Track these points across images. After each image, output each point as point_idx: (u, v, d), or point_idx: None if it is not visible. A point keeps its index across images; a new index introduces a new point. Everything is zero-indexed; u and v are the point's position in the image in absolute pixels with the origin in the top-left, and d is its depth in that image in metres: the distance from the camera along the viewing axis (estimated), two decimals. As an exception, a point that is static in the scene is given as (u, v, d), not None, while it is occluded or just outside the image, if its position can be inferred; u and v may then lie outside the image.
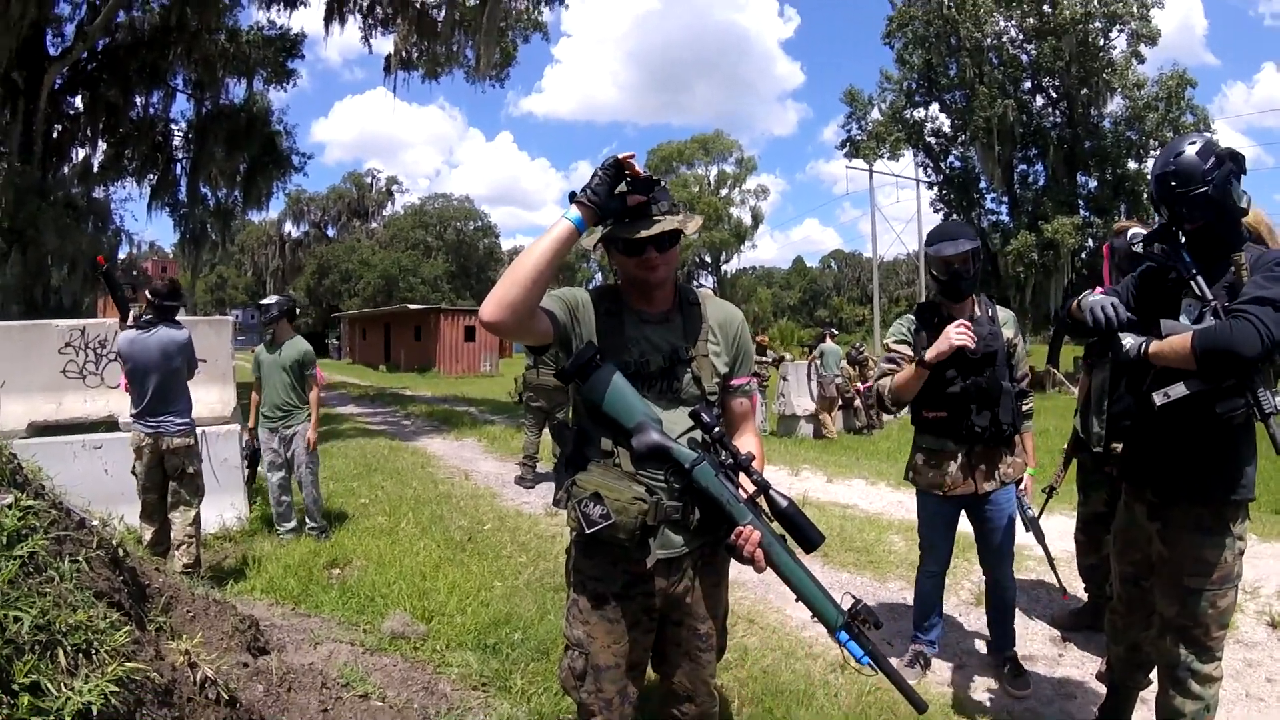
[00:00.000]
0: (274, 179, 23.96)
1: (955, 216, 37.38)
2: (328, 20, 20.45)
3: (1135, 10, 32.24)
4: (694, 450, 2.07)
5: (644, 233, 2.05)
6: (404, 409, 18.34)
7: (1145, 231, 2.93)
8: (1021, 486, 3.85)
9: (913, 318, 3.87)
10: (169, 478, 5.14)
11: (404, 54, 21.11)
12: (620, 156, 2.01)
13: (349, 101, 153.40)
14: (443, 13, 20.13)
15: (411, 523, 6.80)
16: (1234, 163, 2.56)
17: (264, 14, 21.35)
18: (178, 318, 5.32)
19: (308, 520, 6.46)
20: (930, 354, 3.54)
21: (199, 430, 5.50)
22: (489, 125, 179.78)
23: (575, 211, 2.00)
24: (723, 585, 2.38)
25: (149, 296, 5.15)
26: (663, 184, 2.12)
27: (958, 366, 3.62)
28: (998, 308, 3.82)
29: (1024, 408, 3.80)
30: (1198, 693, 2.69)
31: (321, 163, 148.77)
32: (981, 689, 3.93)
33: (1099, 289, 3.36)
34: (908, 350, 3.80)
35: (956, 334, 3.46)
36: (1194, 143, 2.60)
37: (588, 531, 2.02)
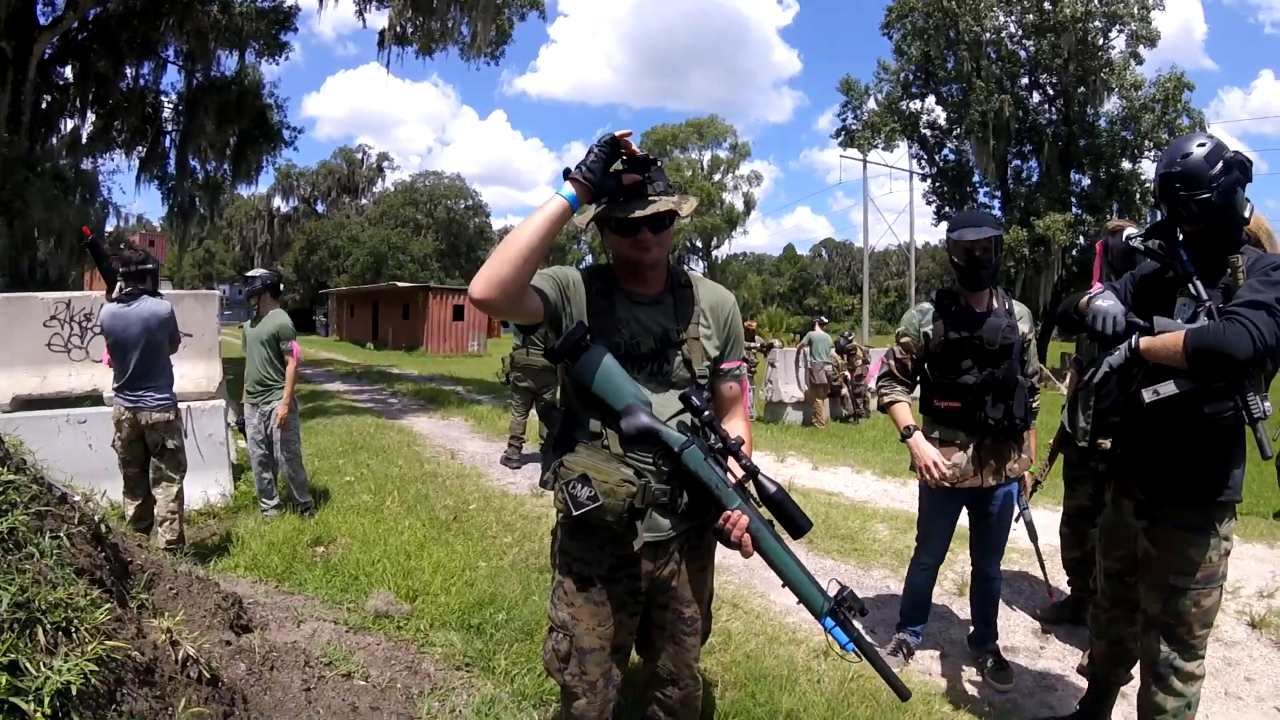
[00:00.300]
0: (264, 153, 23.79)
1: (948, 209, 37.55)
2: (322, -8, 20.24)
3: (1136, 11, 32.34)
4: (683, 434, 2.06)
5: (639, 213, 2.03)
6: (391, 387, 18.26)
7: (1139, 232, 2.92)
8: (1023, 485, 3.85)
9: (930, 306, 3.82)
10: (150, 453, 5.10)
11: (398, 29, 20.93)
12: (617, 134, 1.98)
13: (341, 76, 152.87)
14: (439, -14, 19.96)
15: (397, 501, 6.78)
16: (1241, 170, 2.54)
17: (258, -15, 21.17)
18: (161, 291, 5.27)
19: (294, 497, 6.41)
20: (911, 446, 3.70)
21: (183, 405, 5.46)
22: (482, 104, 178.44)
23: (569, 188, 1.97)
24: (708, 569, 2.38)
25: (121, 269, 5.08)
26: (659, 164, 2.10)
27: (974, 358, 3.62)
28: (1014, 302, 3.78)
29: (1032, 404, 3.76)
30: (1180, 690, 2.71)
31: (312, 138, 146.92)
32: (963, 679, 3.95)
33: (1099, 285, 3.37)
34: (910, 344, 3.80)
35: (928, 467, 3.62)
36: (1203, 144, 2.58)
37: (575, 514, 2.00)
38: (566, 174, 2.00)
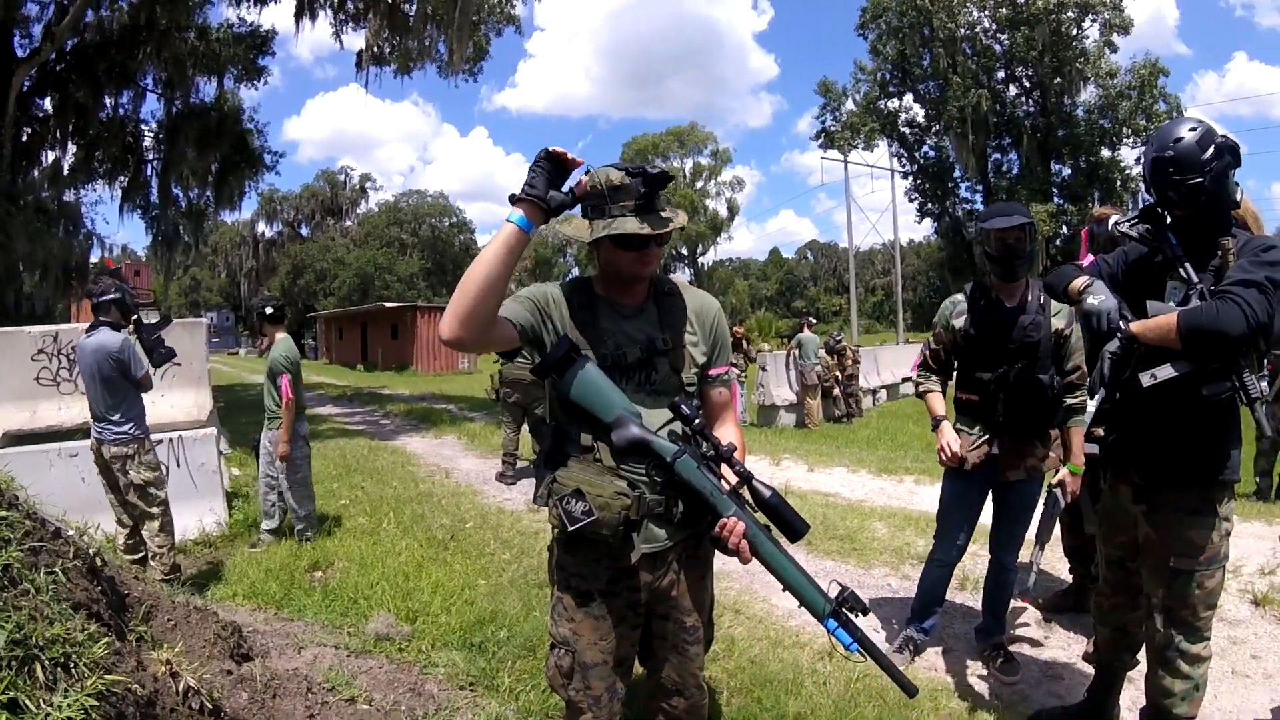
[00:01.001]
0: (246, 178, 23.69)
1: (930, 206, 37.77)
2: (298, 16, 20.20)
3: (1107, 0, 32.58)
4: (675, 443, 2.05)
5: (659, 230, 2.03)
6: (382, 408, 18.23)
7: (1125, 218, 2.93)
8: (1055, 481, 3.72)
9: (961, 298, 3.84)
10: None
11: (375, 49, 20.94)
12: (551, 149, 1.95)
13: (321, 99, 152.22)
14: (414, 7, 19.96)
15: (393, 522, 6.75)
16: (1232, 155, 2.57)
17: (234, 11, 21.05)
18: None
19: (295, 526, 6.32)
20: (937, 434, 3.80)
21: (174, 435, 5.41)
22: (463, 121, 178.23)
23: (518, 212, 1.95)
24: (708, 577, 2.37)
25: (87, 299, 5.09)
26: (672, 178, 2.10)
27: (992, 354, 3.63)
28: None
29: (1070, 402, 3.65)
30: (1187, 672, 2.72)
31: (294, 161, 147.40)
32: (970, 673, 3.95)
33: (1089, 258, 3.36)
34: (941, 334, 3.87)
35: (940, 448, 3.76)
36: (1194, 129, 2.59)
37: (570, 529, 2.00)
38: (512, 199, 1.97)
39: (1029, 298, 3.65)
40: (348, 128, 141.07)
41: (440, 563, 5.53)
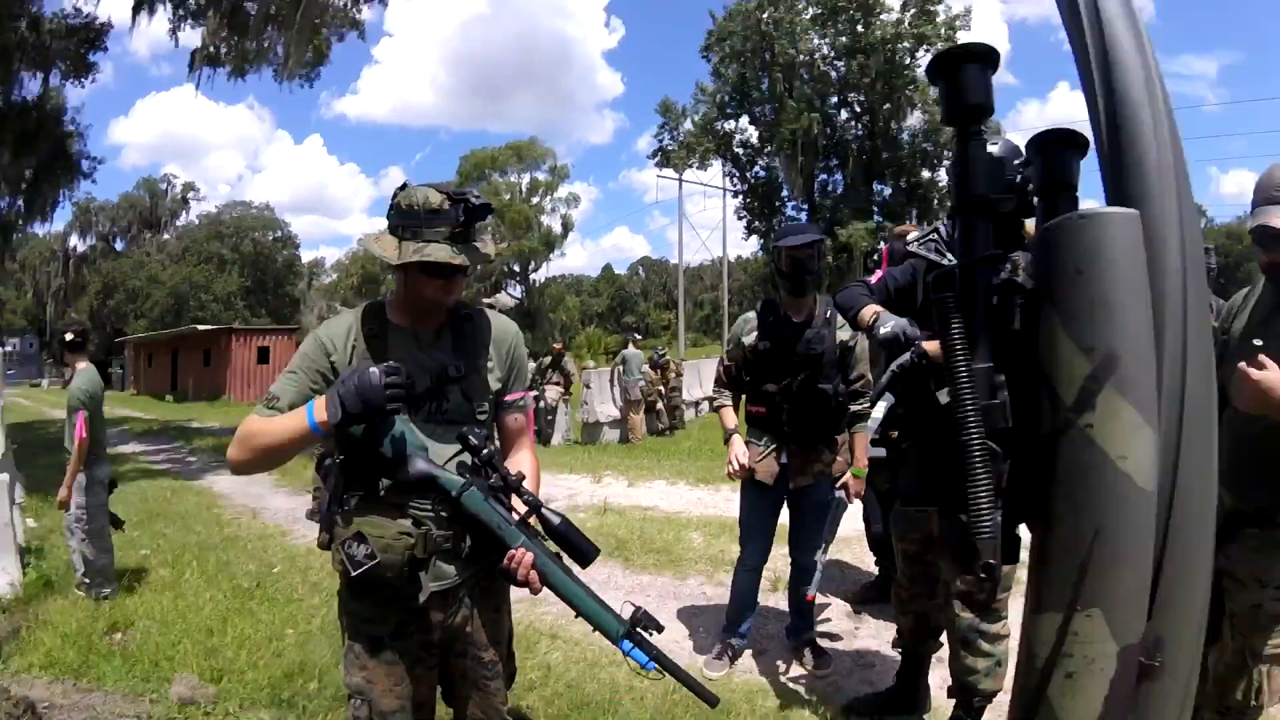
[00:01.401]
0: (62, 186, 21.85)
1: (758, 224, 39.09)
2: (136, 10, 18.63)
3: (942, 33, 34.67)
4: (462, 475, 2.03)
5: (474, 261, 2.01)
6: (189, 444, 17.01)
7: (920, 235, 3.10)
8: (839, 483, 3.92)
9: (753, 315, 3.98)
10: None
11: (211, 49, 19.53)
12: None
13: (153, 99, 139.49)
14: (256, 6, 18.78)
15: (196, 572, 6.26)
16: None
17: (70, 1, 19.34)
18: None
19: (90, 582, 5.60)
20: (728, 439, 3.96)
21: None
22: (298, 128, 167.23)
23: (320, 421, 1.93)
24: (503, 609, 2.34)
25: None
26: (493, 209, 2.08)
27: (779, 367, 3.79)
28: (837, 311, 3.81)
29: (855, 409, 3.88)
30: (987, 650, 2.94)
31: (117, 167, 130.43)
32: (784, 672, 4.10)
33: (879, 273, 3.54)
34: (734, 351, 4.02)
35: (728, 461, 3.93)
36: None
37: (354, 573, 1.95)
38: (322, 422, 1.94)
39: (815, 313, 3.86)
40: (177, 131, 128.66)
41: (246, 613, 5.17)
